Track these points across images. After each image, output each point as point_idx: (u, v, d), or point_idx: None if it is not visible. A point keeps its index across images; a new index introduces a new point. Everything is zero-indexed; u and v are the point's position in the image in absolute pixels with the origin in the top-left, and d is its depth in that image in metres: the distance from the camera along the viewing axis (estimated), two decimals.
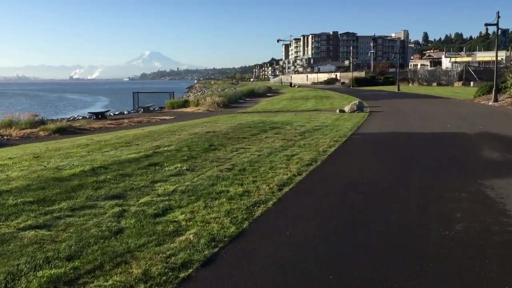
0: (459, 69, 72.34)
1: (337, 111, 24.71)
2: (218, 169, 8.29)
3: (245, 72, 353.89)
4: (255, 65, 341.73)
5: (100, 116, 27.11)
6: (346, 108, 24.45)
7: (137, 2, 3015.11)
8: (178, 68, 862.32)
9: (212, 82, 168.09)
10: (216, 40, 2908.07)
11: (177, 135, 12.07)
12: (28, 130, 18.43)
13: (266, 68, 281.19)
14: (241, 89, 62.02)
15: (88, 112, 29.66)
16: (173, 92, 42.92)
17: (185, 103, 36.86)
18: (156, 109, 37.70)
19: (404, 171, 8.59)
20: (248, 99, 50.86)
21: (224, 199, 6.36)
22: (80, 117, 28.83)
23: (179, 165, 8.32)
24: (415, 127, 16.33)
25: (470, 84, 64.99)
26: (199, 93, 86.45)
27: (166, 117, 26.52)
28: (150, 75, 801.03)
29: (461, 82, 67.62)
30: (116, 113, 33.74)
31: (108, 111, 31.08)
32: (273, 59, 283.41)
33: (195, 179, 7.46)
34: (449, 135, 13.89)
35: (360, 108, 24.25)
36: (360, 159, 9.84)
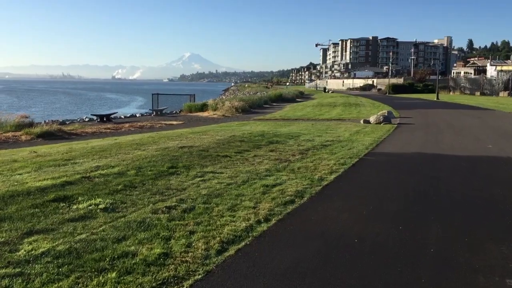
0: (505, 78, 67.39)
1: (361, 121, 21.95)
2: (152, 208, 5.95)
3: (283, 76, 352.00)
4: (292, 69, 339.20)
5: (105, 119, 25.35)
6: (372, 119, 21.65)
7: (179, 5, 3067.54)
8: (216, 71, 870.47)
9: (246, 85, 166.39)
10: (256, 44, 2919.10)
11: (141, 150, 9.81)
12: (10, 134, 16.71)
13: (303, 73, 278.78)
14: (269, 93, 59.64)
15: (92, 114, 27.98)
16: (194, 94, 41.05)
17: (203, 107, 34.82)
18: (174, 112, 35.88)
19: (415, 229, 5.97)
20: (275, 104, 48.51)
21: (114, 274, 4.00)
22: (87, 119, 27.13)
23: (99, 200, 6.01)
24: (447, 146, 13.47)
25: None
26: (231, 96, 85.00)
27: (174, 122, 24.46)
28: (189, 77, 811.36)
29: (507, 92, 62.87)
30: (128, 115, 32.02)
31: (115, 113, 29.35)
32: (311, 63, 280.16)
33: (102, 227, 5.14)
34: (489, 160, 11.02)
35: (387, 119, 21.39)
36: (361, 197, 7.26)
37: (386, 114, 23.65)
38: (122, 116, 30.54)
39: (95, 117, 26.05)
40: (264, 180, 8.01)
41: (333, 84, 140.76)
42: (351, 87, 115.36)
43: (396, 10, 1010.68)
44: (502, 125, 20.89)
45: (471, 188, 7.99)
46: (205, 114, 31.62)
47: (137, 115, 31.96)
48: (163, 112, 32.14)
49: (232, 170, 8.64)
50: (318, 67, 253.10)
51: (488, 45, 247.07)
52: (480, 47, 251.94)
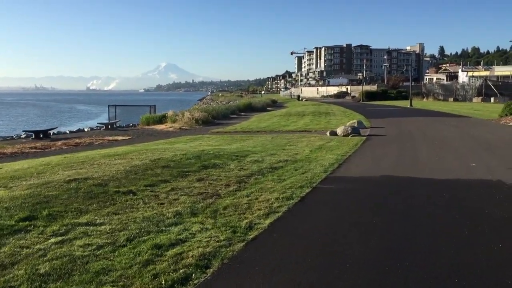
0: (478, 84, 66.61)
1: (328, 133, 19.61)
2: None
3: (260, 84, 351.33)
4: (268, 77, 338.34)
5: (41, 135, 22.37)
6: (339, 131, 19.34)
7: (155, 15, 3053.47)
8: (193, 80, 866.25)
9: (220, 95, 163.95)
10: (232, 53, 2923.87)
11: (2, 189, 7.14)
12: None
13: (278, 81, 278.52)
14: (237, 103, 57.21)
15: (25, 131, 24.92)
16: (155, 105, 38.21)
17: (162, 119, 32.11)
18: (130, 125, 33.03)
19: None
20: (243, 114, 46.13)
21: None
22: (24, 135, 24.01)
23: None
24: (424, 165, 11.15)
25: (490, 100, 59.40)
26: (204, 105, 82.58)
27: (119, 138, 21.70)
28: (165, 87, 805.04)
29: (480, 98, 61.96)
30: (74, 130, 29.00)
31: (53, 128, 26.32)
32: (287, 71, 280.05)
33: None
34: (476, 186, 8.70)
35: (356, 130, 19.11)
36: (298, 264, 4.79)
37: (355, 125, 21.46)
38: (67, 131, 27.56)
39: (30, 133, 22.99)
40: (162, 235, 5.44)
41: (308, 92, 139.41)
42: (325, 94, 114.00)
43: (370, 17, 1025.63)
44: (481, 134, 18.84)
45: (461, 243, 5.55)
46: (161, 127, 28.93)
47: (86, 130, 29.00)
48: (115, 125, 29.26)
49: (122, 218, 6.04)
50: (293, 75, 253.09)
51: (459, 52, 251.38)
52: (451, 53, 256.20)
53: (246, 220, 6.20)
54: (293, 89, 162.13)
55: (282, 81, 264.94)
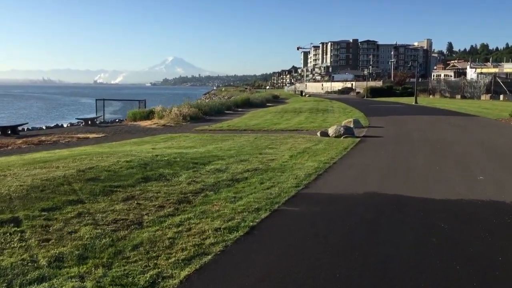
0: (487, 80, 64.17)
1: (318, 133, 17.64)
2: None
3: (266, 79, 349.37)
4: (273, 72, 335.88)
5: (9, 131, 20.56)
6: (331, 131, 17.36)
7: (162, 8, 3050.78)
8: (199, 75, 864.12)
9: (223, 89, 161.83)
10: (239, 48, 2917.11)
11: None
12: None
13: (284, 76, 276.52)
14: (235, 98, 55.20)
15: None
16: (145, 100, 36.38)
17: (149, 115, 30.21)
18: (117, 120, 31.25)
19: None
20: (240, 109, 44.17)
21: None
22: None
23: None
24: (420, 178, 9.16)
25: (499, 98, 57.06)
26: (207, 100, 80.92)
27: (92, 135, 19.83)
28: (171, 81, 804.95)
29: (489, 95, 59.62)
30: (52, 125, 27.13)
31: (23, 124, 24.43)
32: (293, 67, 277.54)
33: None
34: (482, 211, 6.73)
35: (349, 131, 17.12)
36: None
37: (350, 125, 19.53)
38: (44, 127, 25.72)
39: None
40: None
41: (312, 87, 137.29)
42: (329, 90, 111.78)
43: (378, 12, 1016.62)
44: (490, 138, 16.80)
45: None
46: (146, 123, 27.05)
47: (65, 125, 27.16)
48: (96, 121, 27.40)
49: None
50: (299, 71, 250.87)
51: (468, 48, 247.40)
52: (459, 50, 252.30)
53: (152, 272, 4.30)
54: (297, 84, 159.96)
55: (288, 76, 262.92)
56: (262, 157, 11.59)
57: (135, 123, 28.15)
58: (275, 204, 6.87)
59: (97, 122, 28.65)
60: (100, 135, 19.96)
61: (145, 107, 34.86)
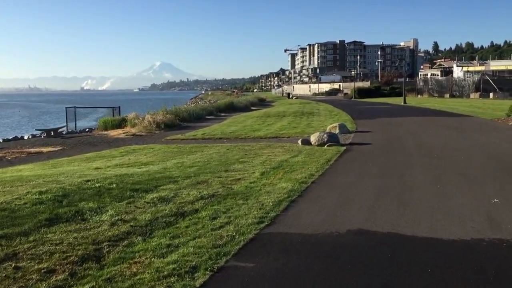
0: (476, 78, 62.87)
1: (299, 142, 15.67)
2: None
3: (254, 82, 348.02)
4: (261, 75, 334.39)
5: None
6: (313, 139, 15.39)
7: (148, 14, 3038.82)
8: (188, 79, 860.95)
9: (210, 93, 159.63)
10: (228, 51, 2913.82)
11: None
12: None
13: (272, 79, 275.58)
14: (217, 103, 53.17)
15: None
16: (119, 107, 34.13)
17: (122, 123, 28.07)
18: (87, 129, 29.05)
19: None
20: (223, 114, 42.22)
21: None
22: None
23: None
24: (420, 204, 7.19)
25: (488, 96, 55.77)
26: (192, 105, 79.08)
27: (47, 149, 17.65)
28: (160, 86, 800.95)
29: (478, 93, 58.33)
30: (10, 137, 24.84)
31: None
32: (281, 69, 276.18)
33: None
34: (508, 260, 4.78)
35: (333, 138, 15.17)
36: None
37: (335, 131, 17.66)
38: (1, 140, 23.46)
39: None
40: None
41: (300, 89, 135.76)
42: (317, 92, 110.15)
43: (364, 13, 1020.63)
44: (492, 142, 14.96)
45: None
46: (117, 132, 24.89)
47: (26, 137, 24.88)
48: (63, 132, 25.20)
49: None
50: (287, 73, 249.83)
51: (453, 47, 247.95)
52: (445, 49, 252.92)
53: None
54: (285, 87, 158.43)
55: (276, 78, 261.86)
56: (226, 176, 9.56)
57: (105, 132, 26.01)
58: (222, 257, 4.85)
59: (64, 133, 26.47)
60: (57, 149, 17.80)
61: (119, 115, 32.67)
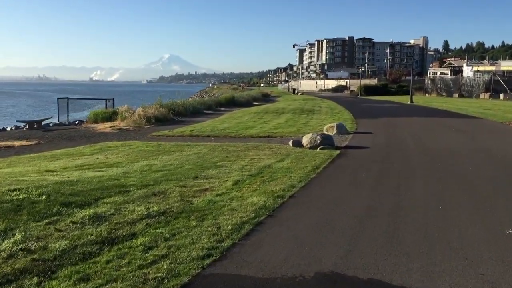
0: (486, 78, 60.95)
1: (290, 143, 14.24)
2: None
3: (262, 77, 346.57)
4: (269, 70, 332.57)
5: None
6: (305, 140, 13.95)
7: (159, 6, 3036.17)
8: (196, 72, 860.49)
9: (215, 87, 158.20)
10: (236, 45, 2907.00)
11: None
12: None
13: (280, 74, 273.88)
14: (218, 97, 51.80)
15: None
16: (113, 99, 32.81)
17: (113, 116, 26.76)
18: (76, 122, 27.74)
19: None
20: (223, 108, 40.88)
21: None
22: None
23: None
24: (417, 235, 5.74)
25: (499, 97, 53.92)
26: (197, 98, 78.00)
27: (19, 143, 16.34)
28: (168, 78, 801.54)
29: (488, 94, 56.48)
30: None
31: None
32: (289, 64, 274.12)
33: None
34: None
35: (327, 141, 13.71)
36: None
37: (331, 131, 16.27)
38: None
39: None
40: None
41: (307, 85, 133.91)
42: (323, 88, 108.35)
43: (373, 10, 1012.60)
44: (505, 150, 13.43)
45: None
46: (105, 125, 23.56)
47: (9, 129, 23.61)
48: (49, 124, 23.93)
49: None
50: (294, 68, 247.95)
51: (464, 46, 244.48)
52: (455, 48, 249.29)
53: None
54: (292, 82, 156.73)
55: (283, 74, 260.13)
56: (193, 185, 8.18)
57: (93, 125, 24.71)
58: None
59: (51, 125, 25.20)
60: (30, 143, 16.51)
61: (113, 107, 31.33)
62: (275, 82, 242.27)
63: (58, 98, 31.81)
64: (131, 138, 18.06)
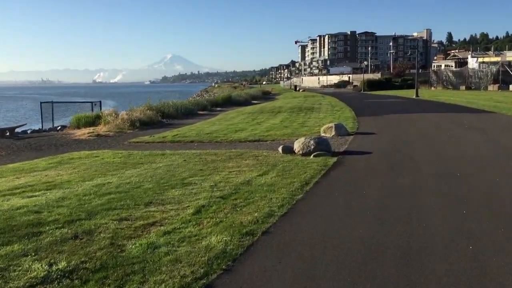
0: (494, 69, 58.64)
1: (280, 149, 12.26)
2: None
3: (265, 74, 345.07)
4: (271, 67, 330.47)
5: None
6: (297, 146, 11.96)
7: (159, 6, 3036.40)
8: (198, 71, 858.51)
9: (216, 86, 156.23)
10: (238, 43, 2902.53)
11: None
12: None
13: (282, 71, 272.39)
14: (215, 96, 49.91)
15: None
16: (100, 101, 31.01)
17: (96, 120, 24.87)
18: (58, 127, 25.91)
19: None
20: (219, 108, 39.07)
21: None
22: None
23: None
24: None
25: (508, 88, 51.71)
26: (198, 98, 76.20)
27: None
28: (171, 78, 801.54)
29: (496, 85, 54.27)
30: None
31: None
32: (291, 61, 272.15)
33: None
34: None
35: (323, 146, 11.69)
36: None
37: (328, 134, 14.34)
38: None
39: None
40: None
41: (309, 81, 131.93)
42: (325, 84, 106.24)
43: (375, 3, 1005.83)
44: None
45: None
46: (83, 131, 21.63)
47: None
48: (19, 131, 22.09)
49: None
50: (297, 65, 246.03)
51: (467, 38, 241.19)
52: (459, 39, 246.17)
53: None
54: (294, 79, 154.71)
55: (286, 70, 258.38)
56: (140, 215, 6.23)
57: (73, 131, 22.80)
58: None
59: (29, 132, 23.38)
60: None
61: (100, 109, 29.48)
62: (277, 80, 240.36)
63: (41, 103, 30.00)
64: (105, 146, 16.15)
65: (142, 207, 6.78)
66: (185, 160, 11.36)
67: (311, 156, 11.16)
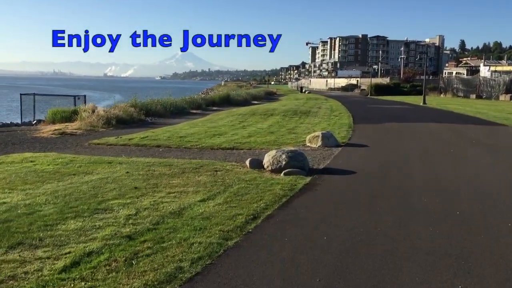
0: (507, 79, 56.06)
1: (247, 163, 10.17)
2: None
3: (275, 75, 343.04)
4: (281, 68, 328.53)
5: None
6: (267, 160, 9.86)
7: (173, 1, 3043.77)
8: (209, 69, 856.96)
9: (223, 84, 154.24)
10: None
11: None
12: None
13: (292, 71, 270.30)
14: (212, 95, 47.99)
15: None
16: (84, 95, 29.05)
17: (73, 115, 22.93)
18: (33, 121, 24.09)
19: None
20: (215, 108, 37.33)
21: None
22: None
23: None
24: None
25: None
26: (203, 95, 74.57)
27: None
28: (181, 75, 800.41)
29: (509, 95, 51.81)
30: None
31: None
32: (302, 62, 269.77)
33: None
34: None
35: (297, 160, 9.56)
36: None
37: (314, 144, 12.29)
38: None
39: None
40: None
41: (317, 83, 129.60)
42: (332, 87, 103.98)
43: (388, 7, 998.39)
44: None
45: None
46: (53, 127, 19.72)
47: None
48: None
49: None
50: (307, 66, 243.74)
51: (480, 46, 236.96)
52: (472, 47, 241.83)
53: None
54: (302, 80, 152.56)
55: (296, 71, 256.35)
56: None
57: (43, 127, 20.96)
58: None
59: None
60: None
61: (85, 104, 27.55)
62: (286, 80, 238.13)
63: (21, 94, 28.18)
64: (60, 147, 14.17)
65: (3, 250, 4.75)
66: (127, 172, 9.32)
67: (281, 174, 9.08)
